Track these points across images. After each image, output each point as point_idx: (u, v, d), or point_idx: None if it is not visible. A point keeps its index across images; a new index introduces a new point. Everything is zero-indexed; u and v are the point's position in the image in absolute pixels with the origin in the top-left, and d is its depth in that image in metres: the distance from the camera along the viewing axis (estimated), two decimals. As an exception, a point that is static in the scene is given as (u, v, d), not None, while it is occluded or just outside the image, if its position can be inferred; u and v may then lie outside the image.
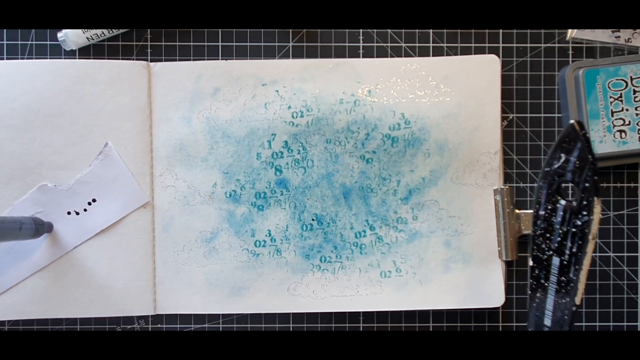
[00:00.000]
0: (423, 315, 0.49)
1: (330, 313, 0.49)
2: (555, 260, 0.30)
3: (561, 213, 0.30)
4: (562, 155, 0.31)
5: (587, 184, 0.30)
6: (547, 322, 0.30)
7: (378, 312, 0.49)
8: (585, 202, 0.30)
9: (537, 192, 0.31)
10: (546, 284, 0.30)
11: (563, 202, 0.30)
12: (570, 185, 0.31)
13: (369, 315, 0.49)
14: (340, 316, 0.49)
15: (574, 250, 0.30)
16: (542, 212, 0.31)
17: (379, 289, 0.48)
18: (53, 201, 0.47)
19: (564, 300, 0.30)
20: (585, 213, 0.30)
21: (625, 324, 0.49)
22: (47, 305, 0.47)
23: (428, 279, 0.48)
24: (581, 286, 0.31)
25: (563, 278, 0.30)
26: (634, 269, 0.49)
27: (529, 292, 0.31)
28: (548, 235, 0.30)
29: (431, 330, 0.49)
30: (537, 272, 0.30)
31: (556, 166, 0.31)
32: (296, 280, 0.48)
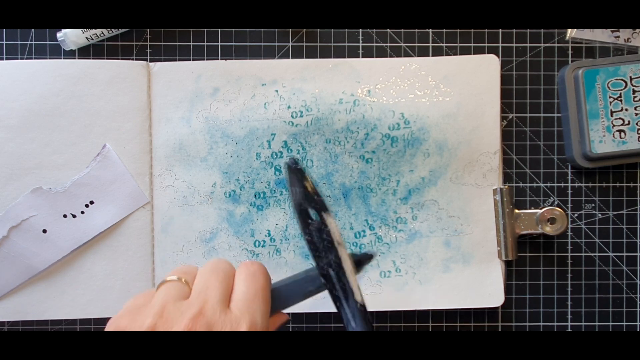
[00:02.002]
0: (422, 315, 0.49)
1: (330, 313, 0.49)
2: (332, 272, 0.34)
3: (315, 233, 0.34)
4: (294, 189, 0.35)
5: (316, 205, 0.34)
6: (353, 324, 0.34)
7: (377, 312, 0.49)
8: (319, 218, 0.34)
9: (298, 222, 0.36)
10: (337, 294, 0.34)
11: (311, 222, 0.35)
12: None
13: (368, 315, 0.49)
14: (340, 316, 0.49)
15: (333, 258, 0.34)
16: (307, 237, 0.35)
17: (378, 289, 0.48)
18: (48, 204, 0.47)
19: (350, 303, 0.34)
20: (324, 226, 0.34)
21: (624, 323, 0.49)
22: (46, 305, 0.47)
23: (428, 279, 0.48)
24: (354, 286, 0.34)
25: (342, 284, 0.34)
26: (634, 269, 0.49)
27: (333, 304, 0.35)
28: (318, 254, 0.35)
29: (430, 330, 0.49)
30: (328, 287, 0.35)
31: (295, 200, 0.35)
32: (296, 280, 0.48)
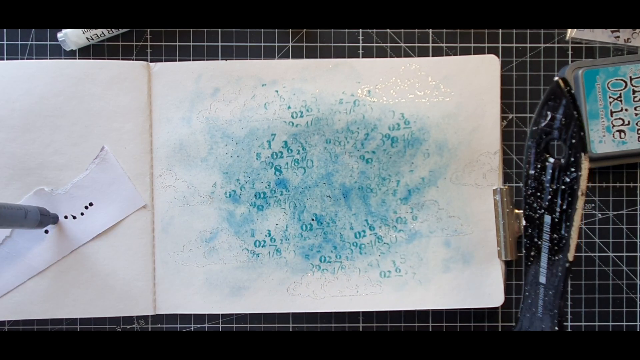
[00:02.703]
0: (422, 315, 0.49)
1: (330, 313, 0.49)
2: (547, 219, 0.30)
3: (550, 171, 0.30)
4: (549, 113, 0.31)
5: (573, 141, 0.30)
6: (542, 279, 0.31)
7: (377, 312, 0.49)
8: (572, 159, 0.30)
9: (526, 151, 0.32)
10: (539, 243, 0.31)
11: (552, 160, 0.30)
12: (557, 143, 0.31)
13: (368, 315, 0.49)
14: (339, 316, 0.49)
15: (564, 207, 0.30)
16: (532, 172, 0.31)
17: (378, 289, 0.48)
18: (49, 205, 0.47)
19: (557, 257, 0.30)
20: (573, 170, 0.30)
21: (624, 323, 0.49)
22: (47, 305, 0.47)
23: (427, 279, 0.48)
24: (573, 242, 0.31)
25: (555, 235, 0.31)
26: (633, 269, 0.49)
27: (524, 251, 0.31)
28: (539, 194, 0.31)
29: (430, 330, 0.49)
30: (530, 231, 0.31)
31: (543, 124, 0.31)
32: (296, 280, 0.48)
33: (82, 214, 0.47)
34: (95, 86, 0.47)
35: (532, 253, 0.31)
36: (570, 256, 0.31)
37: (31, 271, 0.47)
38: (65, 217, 0.47)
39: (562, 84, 0.31)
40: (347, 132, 0.48)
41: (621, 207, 0.49)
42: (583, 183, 0.31)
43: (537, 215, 0.30)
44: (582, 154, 0.30)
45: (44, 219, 0.45)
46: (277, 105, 0.48)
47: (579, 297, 0.49)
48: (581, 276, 0.49)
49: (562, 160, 0.30)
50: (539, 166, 0.31)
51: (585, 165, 0.30)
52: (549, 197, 0.30)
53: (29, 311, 0.47)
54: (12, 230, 0.47)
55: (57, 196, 0.47)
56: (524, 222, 0.31)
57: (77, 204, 0.47)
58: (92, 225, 0.47)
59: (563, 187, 0.30)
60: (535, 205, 0.31)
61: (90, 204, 0.47)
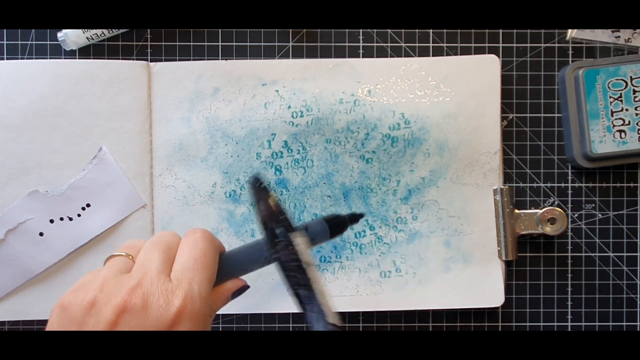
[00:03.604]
0: (423, 315, 0.49)
1: (330, 313, 0.49)
2: (302, 292, 0.33)
3: (281, 252, 0.33)
4: (258, 207, 0.34)
5: (279, 229, 0.33)
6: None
7: (377, 312, 0.49)
8: (287, 238, 0.33)
9: (264, 240, 0.34)
10: (309, 314, 0.33)
11: (278, 243, 0.33)
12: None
13: (368, 315, 0.49)
14: (339, 316, 0.49)
15: (302, 279, 0.32)
16: (274, 256, 0.34)
17: (378, 289, 0.48)
18: (45, 207, 0.47)
19: (324, 324, 0.32)
20: (291, 246, 0.32)
21: (624, 323, 0.49)
22: (47, 305, 0.47)
23: (428, 279, 0.48)
24: (325, 307, 0.32)
25: (312, 305, 0.32)
26: (634, 269, 0.49)
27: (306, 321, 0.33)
28: (287, 273, 0.33)
29: (431, 330, 0.49)
30: (301, 306, 0.33)
31: (260, 218, 0.34)
32: (296, 280, 0.48)
33: (78, 215, 0.47)
34: (95, 86, 0.47)
35: (309, 322, 0.33)
36: (330, 319, 0.32)
37: (29, 274, 0.47)
38: (61, 218, 0.47)
39: (252, 183, 0.34)
40: (347, 132, 0.48)
41: (621, 207, 0.49)
42: (304, 255, 0.33)
43: (296, 291, 0.33)
44: (289, 235, 0.33)
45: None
46: (277, 105, 0.48)
47: (579, 297, 0.49)
48: (581, 276, 0.49)
49: (285, 242, 0.33)
50: (274, 250, 0.33)
51: (297, 239, 0.33)
52: (291, 273, 0.33)
53: (28, 312, 0.47)
54: (6, 233, 0.47)
55: (52, 197, 0.47)
56: (294, 300, 0.33)
57: (73, 206, 0.47)
58: (89, 227, 0.47)
59: (293, 263, 0.33)
60: (291, 283, 0.33)
61: (88, 205, 0.47)
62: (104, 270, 0.32)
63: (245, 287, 0.35)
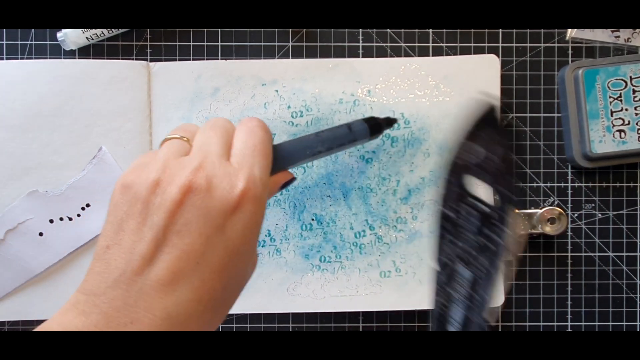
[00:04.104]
0: (422, 315, 0.49)
1: (330, 313, 0.49)
2: (465, 273, 0.26)
3: (472, 219, 0.25)
4: (479, 149, 0.26)
5: (501, 188, 0.25)
6: (452, 329, 0.27)
7: (377, 312, 0.49)
8: (499, 211, 0.25)
9: (445, 188, 0.27)
10: (452, 293, 0.26)
11: (475, 206, 0.25)
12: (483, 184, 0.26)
13: (368, 315, 0.49)
14: (339, 316, 0.49)
15: (486, 266, 0.25)
16: (449, 213, 0.27)
17: (378, 288, 0.48)
18: (44, 207, 0.47)
19: (474, 318, 0.26)
20: (498, 224, 0.25)
21: (624, 323, 0.49)
22: (47, 305, 0.47)
23: (428, 279, 0.48)
24: (489, 302, 0.27)
25: (475, 295, 0.26)
26: (633, 269, 0.49)
27: (434, 297, 0.26)
28: (454, 238, 0.26)
29: (430, 330, 0.49)
30: (441, 277, 0.26)
31: (472, 161, 0.26)
32: (296, 280, 0.48)
33: (78, 215, 0.47)
34: (94, 86, 0.47)
35: (442, 301, 0.26)
36: (487, 316, 0.26)
37: (29, 274, 0.47)
38: (61, 219, 0.47)
39: (494, 110, 0.26)
40: (347, 132, 0.47)
41: (621, 207, 0.49)
42: (511, 241, 0.26)
43: (450, 262, 0.25)
44: (510, 207, 0.25)
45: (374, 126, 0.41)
46: (277, 105, 0.48)
47: (579, 297, 0.49)
48: (581, 276, 0.49)
49: (488, 210, 0.25)
50: (458, 210, 0.26)
51: (513, 220, 0.25)
52: (469, 248, 0.25)
53: (28, 312, 0.47)
54: (5, 233, 0.47)
55: (52, 197, 0.47)
56: (436, 266, 0.25)
57: (72, 206, 0.47)
58: (89, 227, 0.47)
59: (486, 242, 0.25)
60: (448, 250, 0.26)
61: (88, 205, 0.47)
62: (162, 152, 0.32)
63: (293, 179, 0.36)
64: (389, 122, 0.41)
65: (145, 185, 0.30)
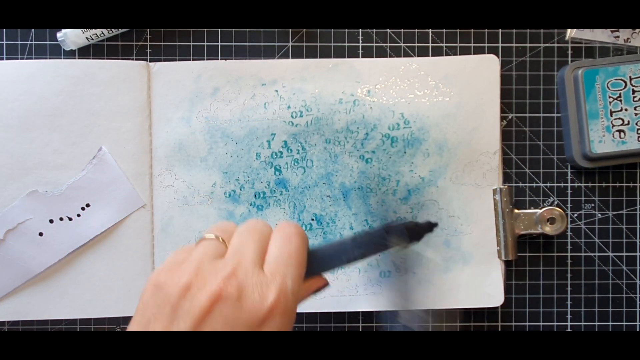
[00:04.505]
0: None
1: (330, 313, 0.49)
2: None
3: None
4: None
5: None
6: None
7: (377, 312, 0.49)
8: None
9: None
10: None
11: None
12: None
13: (368, 315, 0.49)
14: (339, 316, 0.49)
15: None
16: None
17: (378, 288, 0.48)
18: (44, 207, 0.47)
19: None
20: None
21: (624, 323, 0.49)
22: (46, 305, 0.47)
23: (428, 279, 0.48)
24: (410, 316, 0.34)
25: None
26: (633, 269, 0.49)
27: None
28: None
29: (430, 330, 0.49)
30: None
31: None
32: (296, 280, 0.48)
33: (78, 215, 0.47)
34: (94, 86, 0.47)
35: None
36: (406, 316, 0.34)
37: (29, 274, 0.47)
38: (61, 219, 0.47)
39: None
40: (347, 132, 0.48)
41: (621, 207, 0.49)
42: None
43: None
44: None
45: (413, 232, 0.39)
46: (276, 105, 0.48)
47: (578, 297, 0.49)
48: (581, 276, 0.49)
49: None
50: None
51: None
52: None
53: (28, 312, 0.47)
54: (5, 233, 0.47)
55: (51, 197, 0.47)
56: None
57: (72, 206, 0.47)
58: (89, 227, 0.47)
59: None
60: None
61: (87, 205, 0.47)
62: (198, 252, 0.32)
63: (327, 286, 0.35)
64: (430, 227, 0.39)
65: (177, 288, 0.30)
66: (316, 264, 0.34)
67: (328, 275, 0.35)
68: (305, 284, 0.34)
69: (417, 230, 0.38)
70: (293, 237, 0.33)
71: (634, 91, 0.47)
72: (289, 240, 0.33)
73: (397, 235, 0.37)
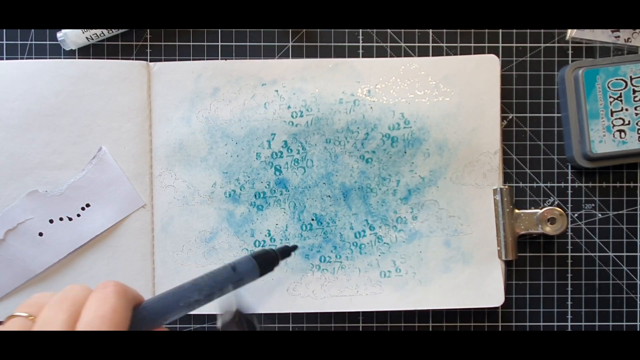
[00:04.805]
0: (422, 315, 0.49)
1: (330, 313, 0.49)
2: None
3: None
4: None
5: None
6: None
7: (377, 312, 0.49)
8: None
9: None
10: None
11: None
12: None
13: (368, 315, 0.49)
14: (339, 316, 0.49)
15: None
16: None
17: (378, 289, 0.48)
18: (44, 207, 0.47)
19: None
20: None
21: (624, 323, 0.49)
22: (46, 305, 0.47)
23: (428, 279, 0.48)
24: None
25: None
26: (634, 269, 0.49)
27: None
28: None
29: (430, 330, 0.49)
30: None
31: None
32: (296, 280, 0.48)
33: (78, 215, 0.47)
34: (94, 86, 0.47)
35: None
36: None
37: (29, 274, 0.47)
38: (61, 219, 0.47)
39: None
40: (347, 131, 0.48)
41: (621, 207, 0.49)
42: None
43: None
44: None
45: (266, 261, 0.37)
46: (277, 105, 0.48)
47: (579, 297, 0.49)
48: (581, 276, 0.49)
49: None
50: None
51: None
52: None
53: (28, 311, 0.47)
54: (5, 233, 0.47)
55: (51, 197, 0.47)
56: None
57: (73, 205, 0.47)
58: (89, 227, 0.47)
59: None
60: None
61: (87, 205, 0.47)
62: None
63: None
64: (285, 252, 0.37)
65: None
66: (150, 317, 0.33)
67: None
68: None
69: (268, 260, 0.36)
70: (110, 296, 0.31)
71: (634, 91, 0.47)
72: (104, 301, 0.31)
73: (245, 269, 0.35)
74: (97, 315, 0.30)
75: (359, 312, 0.49)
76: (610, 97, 0.47)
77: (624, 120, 0.47)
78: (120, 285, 0.32)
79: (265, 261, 0.36)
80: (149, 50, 0.49)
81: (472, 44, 0.49)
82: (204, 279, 0.34)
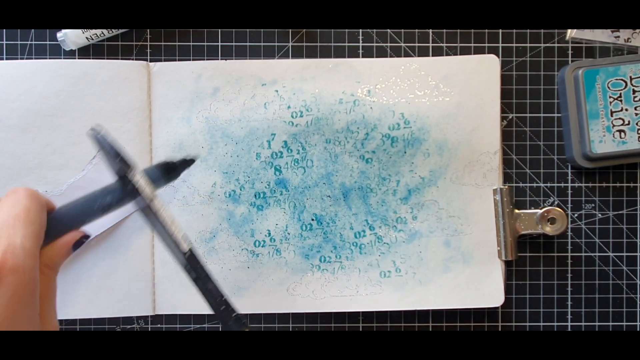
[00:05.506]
0: (422, 315, 0.49)
1: (330, 313, 0.49)
2: (159, 229, 0.35)
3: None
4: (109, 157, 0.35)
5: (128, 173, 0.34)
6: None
7: (377, 312, 0.49)
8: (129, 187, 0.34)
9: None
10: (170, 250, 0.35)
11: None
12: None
13: (368, 316, 0.49)
14: (339, 316, 0.49)
15: (154, 218, 0.34)
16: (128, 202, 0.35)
17: (378, 289, 0.48)
18: None
19: (180, 256, 0.34)
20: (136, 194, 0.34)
21: (624, 323, 0.49)
22: (46, 305, 0.47)
23: (428, 279, 0.48)
24: (177, 236, 0.34)
25: (167, 238, 0.34)
26: (633, 269, 0.49)
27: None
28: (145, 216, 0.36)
29: (430, 330, 0.49)
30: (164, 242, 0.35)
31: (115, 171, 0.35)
32: (296, 280, 0.48)
33: (80, 214, 0.47)
34: (94, 86, 0.47)
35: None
36: (184, 247, 0.34)
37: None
38: None
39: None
40: (347, 132, 0.48)
41: (621, 207, 0.49)
42: (145, 190, 0.34)
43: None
44: (127, 171, 0.34)
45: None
46: (276, 105, 0.48)
47: (579, 297, 0.49)
48: (581, 276, 0.49)
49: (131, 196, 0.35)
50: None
51: (137, 178, 0.34)
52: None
53: (28, 311, 0.47)
54: None
55: (51, 198, 0.47)
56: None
57: (76, 204, 0.47)
58: (89, 227, 0.47)
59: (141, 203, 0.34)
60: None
61: (89, 204, 0.47)
62: None
63: (85, 237, 0.36)
64: (186, 163, 0.40)
65: None
66: (67, 220, 0.35)
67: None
68: (59, 241, 0.35)
69: (173, 167, 0.39)
70: (22, 197, 0.33)
71: (634, 91, 0.47)
72: (16, 202, 0.33)
73: (152, 175, 0.38)
74: (11, 214, 0.32)
75: (359, 312, 0.49)
76: (610, 97, 0.47)
77: (623, 120, 0.47)
78: (30, 189, 0.34)
79: (168, 167, 0.39)
80: (149, 50, 0.49)
81: (472, 44, 0.49)
82: (113, 185, 0.36)
